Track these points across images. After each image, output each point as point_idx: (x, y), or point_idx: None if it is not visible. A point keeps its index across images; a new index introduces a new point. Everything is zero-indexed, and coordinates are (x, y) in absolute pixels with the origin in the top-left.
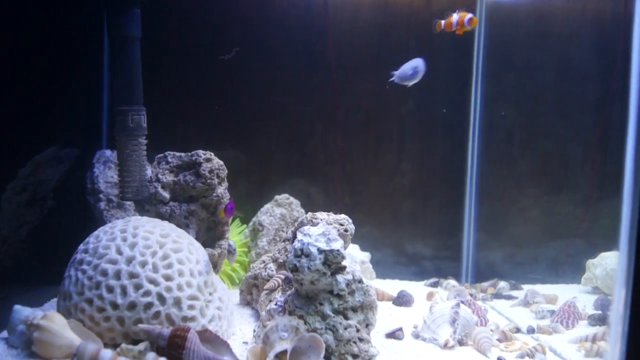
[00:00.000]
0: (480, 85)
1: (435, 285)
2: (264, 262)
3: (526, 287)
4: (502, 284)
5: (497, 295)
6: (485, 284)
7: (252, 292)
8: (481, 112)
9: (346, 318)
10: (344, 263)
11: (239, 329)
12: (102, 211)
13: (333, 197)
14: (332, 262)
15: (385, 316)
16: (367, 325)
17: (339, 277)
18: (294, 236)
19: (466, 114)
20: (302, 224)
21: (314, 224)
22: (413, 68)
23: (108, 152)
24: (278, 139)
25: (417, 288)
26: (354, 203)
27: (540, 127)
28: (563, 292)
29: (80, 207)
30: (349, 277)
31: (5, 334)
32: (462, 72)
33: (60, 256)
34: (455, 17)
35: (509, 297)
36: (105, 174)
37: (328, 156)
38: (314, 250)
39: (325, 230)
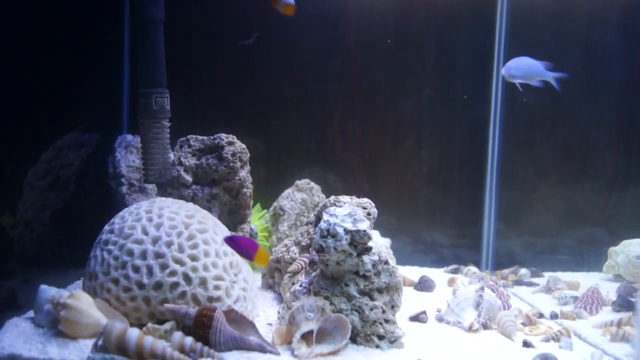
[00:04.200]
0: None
1: (455, 271)
2: (286, 245)
3: (547, 275)
4: (523, 271)
5: (518, 282)
6: (505, 271)
7: (274, 275)
8: (502, 98)
9: (372, 299)
10: (370, 244)
11: (263, 311)
12: (124, 195)
13: (352, 184)
14: (359, 243)
15: (408, 300)
16: (392, 307)
17: (365, 258)
18: (318, 219)
19: (487, 100)
20: (325, 207)
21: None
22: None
23: (129, 137)
24: (297, 126)
25: (437, 274)
26: (373, 190)
27: (563, 113)
28: (584, 280)
29: (102, 191)
30: (375, 257)
31: (31, 313)
32: (484, 57)
33: (83, 240)
34: None
35: (530, 284)
36: (127, 158)
37: (347, 143)
38: (340, 230)
39: (351, 210)
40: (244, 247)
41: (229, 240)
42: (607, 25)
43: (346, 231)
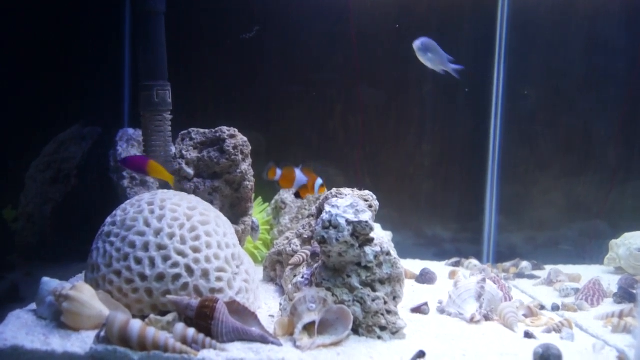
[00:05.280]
0: (503, 64)
1: (456, 264)
2: (287, 238)
3: (548, 267)
4: (524, 263)
5: (520, 275)
6: (507, 264)
7: (275, 268)
8: (504, 91)
9: (374, 290)
10: (372, 235)
11: (264, 304)
12: (126, 189)
13: (353, 178)
14: (361, 234)
15: (409, 293)
16: (394, 298)
17: (367, 249)
18: (319, 211)
19: (488, 93)
20: (327, 199)
21: None
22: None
23: (131, 130)
24: (298, 119)
25: (438, 267)
26: (374, 184)
27: (564, 106)
28: (586, 273)
29: (104, 184)
30: (377, 249)
31: (33, 306)
32: (485, 50)
33: (84, 233)
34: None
35: (532, 277)
36: (128, 151)
37: (348, 137)
38: (342, 221)
39: (353, 202)
40: (136, 165)
41: (122, 162)
42: (610, 17)
43: (348, 222)
